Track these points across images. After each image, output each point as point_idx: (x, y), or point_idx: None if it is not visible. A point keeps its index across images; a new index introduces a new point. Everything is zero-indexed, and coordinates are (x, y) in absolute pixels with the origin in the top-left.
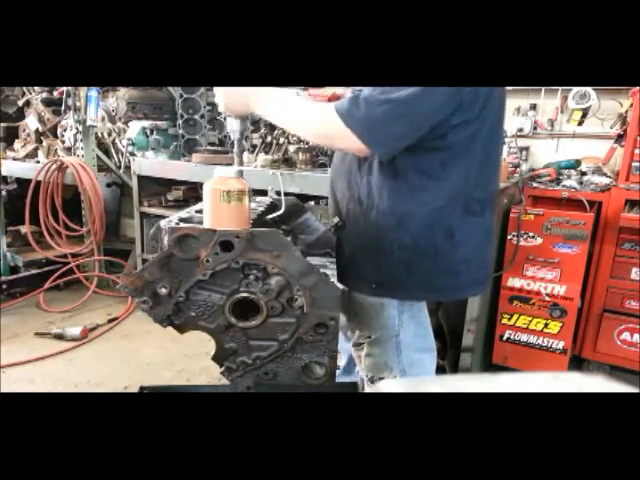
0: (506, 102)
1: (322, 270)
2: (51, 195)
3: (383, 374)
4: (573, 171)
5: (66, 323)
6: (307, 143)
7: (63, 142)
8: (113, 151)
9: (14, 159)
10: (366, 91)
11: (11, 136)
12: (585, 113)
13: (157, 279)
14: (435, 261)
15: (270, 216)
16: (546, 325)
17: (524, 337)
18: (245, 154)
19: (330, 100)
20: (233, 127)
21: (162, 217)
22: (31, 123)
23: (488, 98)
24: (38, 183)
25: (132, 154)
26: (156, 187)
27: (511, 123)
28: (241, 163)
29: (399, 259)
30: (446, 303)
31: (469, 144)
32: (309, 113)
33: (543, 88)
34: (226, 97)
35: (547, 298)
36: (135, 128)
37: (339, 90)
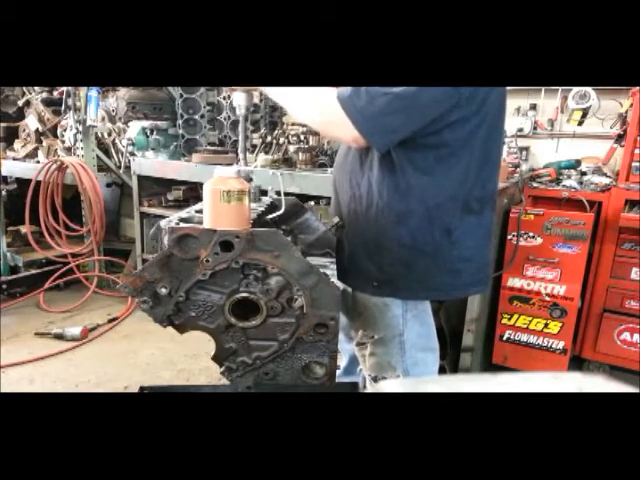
0: (506, 102)
1: (322, 270)
2: (51, 195)
3: (387, 374)
4: (573, 171)
5: (66, 323)
6: (307, 143)
7: (63, 142)
8: (113, 151)
9: (14, 159)
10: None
11: (11, 136)
12: (585, 113)
13: (157, 279)
14: (434, 259)
15: (270, 216)
16: (546, 325)
17: (524, 337)
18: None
19: None
20: (239, 102)
21: (162, 217)
22: (31, 123)
23: (487, 96)
24: (38, 183)
25: (132, 154)
26: (156, 187)
27: (511, 123)
28: (246, 142)
29: (399, 257)
30: (446, 303)
31: (467, 142)
32: (312, 97)
33: (543, 88)
34: None
35: (547, 298)
36: (135, 128)
37: None
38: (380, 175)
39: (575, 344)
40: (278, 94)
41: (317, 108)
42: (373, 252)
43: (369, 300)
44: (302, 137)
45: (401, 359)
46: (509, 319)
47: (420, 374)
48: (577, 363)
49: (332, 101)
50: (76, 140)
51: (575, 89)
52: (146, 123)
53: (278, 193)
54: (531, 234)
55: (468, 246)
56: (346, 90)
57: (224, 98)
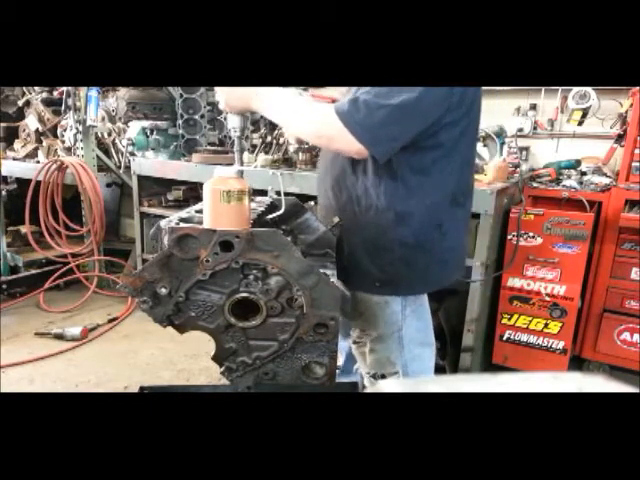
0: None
1: (322, 270)
2: (51, 195)
3: (386, 370)
4: (573, 171)
5: (66, 323)
6: (307, 143)
7: (63, 142)
8: (113, 151)
9: (14, 159)
10: (363, 94)
11: (11, 136)
12: (585, 113)
13: (157, 279)
14: (430, 253)
15: (270, 216)
16: (546, 325)
17: (524, 337)
18: (245, 154)
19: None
20: (234, 124)
21: (162, 217)
22: (31, 123)
23: (474, 98)
24: (38, 183)
25: (132, 154)
26: (156, 187)
27: (511, 123)
28: (241, 161)
29: (400, 256)
30: (446, 303)
31: (458, 142)
32: (309, 113)
33: (543, 88)
34: (227, 95)
35: (547, 298)
36: (135, 128)
37: (341, 90)
38: (376, 179)
39: (575, 344)
40: (274, 113)
41: (316, 124)
42: (373, 253)
43: (370, 299)
44: None
45: (400, 354)
46: (509, 319)
47: (418, 369)
48: (577, 363)
49: (330, 116)
50: (76, 140)
51: (575, 89)
52: (146, 123)
53: (278, 193)
54: (531, 234)
55: (454, 237)
56: (343, 104)
57: None
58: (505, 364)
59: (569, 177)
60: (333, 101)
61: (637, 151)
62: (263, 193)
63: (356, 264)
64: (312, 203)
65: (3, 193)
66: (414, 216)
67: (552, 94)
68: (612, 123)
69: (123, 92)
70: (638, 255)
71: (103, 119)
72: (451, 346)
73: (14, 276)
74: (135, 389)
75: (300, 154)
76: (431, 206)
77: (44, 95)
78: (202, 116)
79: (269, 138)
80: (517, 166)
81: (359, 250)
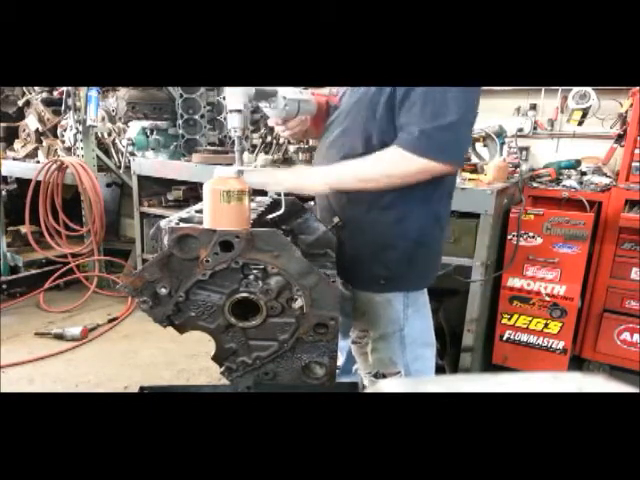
0: None
1: (322, 270)
2: (51, 195)
3: (387, 369)
4: (573, 171)
5: (66, 323)
6: (307, 143)
7: (63, 142)
8: (113, 151)
9: (14, 159)
10: (420, 125)
11: (11, 136)
12: (585, 113)
13: (157, 279)
14: (430, 247)
15: (270, 216)
16: (546, 325)
17: (524, 337)
18: (245, 154)
19: (327, 101)
20: (234, 124)
21: (162, 217)
22: (31, 123)
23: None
24: (38, 183)
25: (132, 154)
26: (156, 187)
27: (511, 123)
28: (242, 161)
29: (403, 252)
30: (446, 303)
31: None
32: (375, 165)
33: (543, 88)
34: (277, 183)
35: (547, 298)
36: (135, 128)
37: (331, 90)
38: None
39: (575, 344)
40: (342, 183)
41: (381, 167)
42: (378, 252)
43: (373, 298)
44: None
45: (402, 354)
46: (509, 319)
47: (420, 369)
48: (577, 363)
49: (402, 154)
50: (76, 140)
51: (575, 89)
52: (146, 123)
53: (278, 193)
54: (531, 234)
55: (446, 228)
56: (412, 140)
57: (224, 98)
58: (505, 364)
59: (569, 177)
60: (327, 102)
61: (637, 151)
62: (263, 193)
63: (360, 265)
64: (312, 203)
65: (3, 193)
66: (416, 212)
67: (552, 94)
68: (612, 123)
69: (123, 92)
70: (638, 255)
71: (103, 119)
72: (451, 346)
73: (14, 276)
74: (135, 389)
75: (300, 154)
76: (431, 201)
77: (44, 95)
78: (202, 116)
79: (269, 138)
80: (517, 166)
81: (364, 251)
